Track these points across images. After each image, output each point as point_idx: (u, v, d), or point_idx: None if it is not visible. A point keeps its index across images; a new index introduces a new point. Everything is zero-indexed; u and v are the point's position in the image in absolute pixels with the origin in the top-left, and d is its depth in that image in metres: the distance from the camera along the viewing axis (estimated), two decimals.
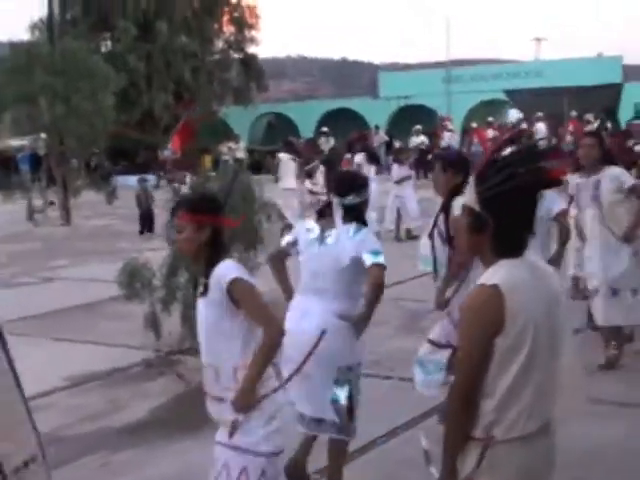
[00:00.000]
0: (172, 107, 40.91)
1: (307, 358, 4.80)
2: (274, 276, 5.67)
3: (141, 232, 19.88)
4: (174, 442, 6.55)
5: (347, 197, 5.33)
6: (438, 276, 6.22)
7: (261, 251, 9.08)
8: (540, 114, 31.28)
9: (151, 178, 30.82)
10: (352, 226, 5.31)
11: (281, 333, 4.13)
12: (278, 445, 4.15)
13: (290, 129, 41.36)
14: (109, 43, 42.27)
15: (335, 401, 5.28)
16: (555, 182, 3.24)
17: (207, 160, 39.20)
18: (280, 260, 5.64)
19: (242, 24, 44.93)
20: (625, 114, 35.79)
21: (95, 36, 40.24)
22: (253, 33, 45.51)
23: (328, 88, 71.20)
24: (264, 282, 5.25)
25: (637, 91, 37.53)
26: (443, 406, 4.37)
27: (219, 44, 45.32)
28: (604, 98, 34.61)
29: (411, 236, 16.72)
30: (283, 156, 18.60)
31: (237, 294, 4.04)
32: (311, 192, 17.07)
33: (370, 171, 17.90)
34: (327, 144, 32.43)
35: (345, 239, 5.27)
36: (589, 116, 31.43)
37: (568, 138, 30.05)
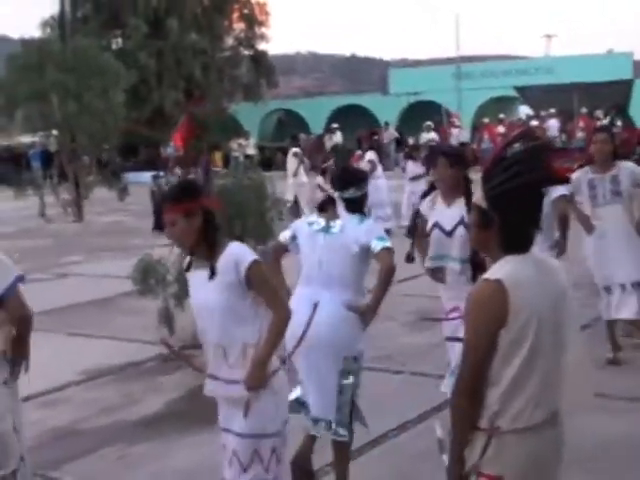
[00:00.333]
0: (182, 104, 41.05)
1: (307, 328, 4.81)
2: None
3: (155, 228, 19.81)
4: (190, 435, 6.64)
5: (347, 191, 5.43)
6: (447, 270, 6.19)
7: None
8: (553, 110, 31.24)
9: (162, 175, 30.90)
10: (356, 216, 5.41)
11: (289, 315, 4.26)
12: (283, 419, 4.28)
13: (300, 125, 41.44)
14: (120, 40, 42.42)
15: (340, 392, 5.34)
16: (562, 180, 3.32)
17: (218, 157, 39.32)
18: (277, 255, 5.66)
19: (252, 21, 45.01)
20: (636, 110, 35.76)
21: (106, 33, 40.43)
22: (263, 30, 45.64)
23: (338, 84, 71.20)
24: None
25: None
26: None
27: (229, 41, 45.41)
28: (615, 94, 34.53)
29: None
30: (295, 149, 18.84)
31: (255, 277, 4.14)
32: (321, 188, 17.13)
33: (379, 169, 18.03)
34: (330, 141, 32.49)
35: (352, 227, 5.34)
36: (599, 112, 31.40)
37: (579, 134, 30.03)
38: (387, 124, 39.55)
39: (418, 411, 6.74)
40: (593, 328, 8.35)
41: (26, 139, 36.24)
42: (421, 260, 6.51)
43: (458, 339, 5.55)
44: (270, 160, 38.07)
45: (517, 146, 3.23)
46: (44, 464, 5.99)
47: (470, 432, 3.16)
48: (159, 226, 19.17)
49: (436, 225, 6.16)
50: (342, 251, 5.32)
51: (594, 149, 7.92)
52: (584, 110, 30.81)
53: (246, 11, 45.00)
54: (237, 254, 4.17)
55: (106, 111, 23.71)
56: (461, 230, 5.92)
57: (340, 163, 17.61)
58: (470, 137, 37.13)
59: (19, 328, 4.55)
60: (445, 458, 3.34)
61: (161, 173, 21.72)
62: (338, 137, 35.89)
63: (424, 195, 6.49)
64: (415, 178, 17.60)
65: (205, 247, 4.23)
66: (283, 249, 5.64)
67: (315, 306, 4.97)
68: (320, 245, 5.38)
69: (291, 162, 19.23)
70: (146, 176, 23.75)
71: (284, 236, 5.63)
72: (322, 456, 5.57)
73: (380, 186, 17.73)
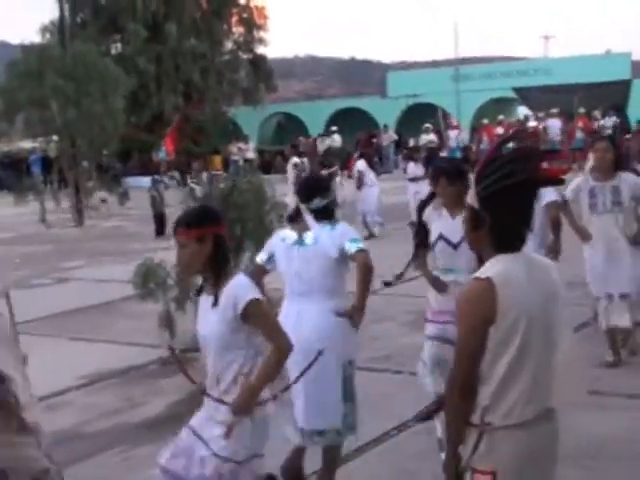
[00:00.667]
0: (182, 108, 41.13)
1: (301, 375, 4.89)
2: None
3: (158, 233, 19.76)
4: None
5: (313, 202, 5.44)
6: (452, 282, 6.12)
7: None
8: (555, 110, 31.27)
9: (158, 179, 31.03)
10: (327, 223, 5.43)
11: (290, 350, 4.24)
12: (257, 451, 4.26)
13: (299, 129, 41.52)
14: (119, 45, 42.48)
15: (346, 399, 5.38)
16: (555, 180, 3.36)
17: (217, 161, 39.41)
18: (258, 277, 5.56)
19: (251, 25, 45.10)
20: (634, 110, 35.82)
21: (105, 39, 40.50)
22: (262, 34, 45.70)
23: (337, 87, 71.25)
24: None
25: None
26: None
27: (228, 45, 45.47)
28: (613, 95, 34.64)
29: None
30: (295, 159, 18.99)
31: (252, 315, 4.15)
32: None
33: (370, 177, 18.12)
34: (323, 144, 32.54)
35: (325, 236, 5.37)
36: (597, 113, 31.47)
37: (578, 135, 30.10)
38: (386, 127, 39.62)
39: (416, 410, 6.77)
40: (588, 327, 8.39)
41: (26, 145, 36.30)
42: (416, 267, 6.53)
43: (445, 340, 5.64)
44: (269, 164, 38.14)
45: (509, 147, 3.29)
46: None
47: (465, 429, 3.20)
48: (160, 231, 19.24)
49: (441, 237, 6.11)
50: (319, 261, 5.34)
51: (595, 158, 7.92)
52: (582, 110, 30.86)
53: (245, 15, 45.09)
54: (237, 291, 4.17)
55: (106, 116, 23.78)
56: None
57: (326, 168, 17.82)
58: (469, 139, 37.19)
59: None
60: (443, 456, 3.39)
61: (160, 177, 21.75)
62: (337, 140, 35.95)
63: (424, 203, 6.46)
64: (416, 179, 17.64)
65: (212, 274, 4.25)
66: (262, 271, 5.62)
67: (319, 353, 4.96)
68: (295, 258, 5.40)
69: (291, 173, 19.31)
70: (144, 181, 23.79)
71: (260, 257, 5.66)
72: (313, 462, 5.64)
73: (369, 195, 17.84)
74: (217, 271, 4.24)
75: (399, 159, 38.59)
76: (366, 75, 68.54)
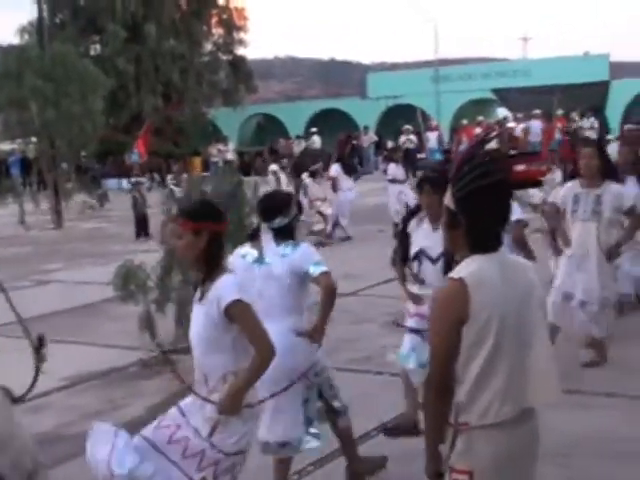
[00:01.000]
0: (161, 109, 41.03)
1: (284, 390, 4.97)
2: None
3: (138, 235, 19.71)
4: None
5: (274, 221, 5.41)
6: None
7: None
8: (538, 112, 31.39)
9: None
10: (287, 244, 5.41)
11: (273, 353, 4.24)
12: (242, 448, 4.28)
13: (279, 130, 41.52)
14: (98, 46, 42.31)
15: (308, 406, 5.46)
16: (531, 182, 3.41)
17: (197, 162, 39.36)
18: None
19: (230, 26, 45.04)
20: (612, 111, 36.10)
21: (84, 39, 40.31)
22: (241, 35, 45.65)
23: (317, 88, 71.27)
24: None
25: (624, 88, 37.84)
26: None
27: (208, 46, 45.39)
28: (592, 96, 34.84)
29: None
30: (276, 167, 19.04)
31: (234, 315, 4.17)
32: (310, 200, 17.41)
33: (345, 182, 18.18)
34: (299, 146, 32.56)
35: (284, 257, 5.37)
36: (574, 114, 31.63)
37: (557, 136, 30.23)
38: (366, 128, 39.69)
39: (398, 411, 6.81)
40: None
41: (5, 146, 36.13)
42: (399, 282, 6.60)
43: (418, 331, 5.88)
44: (249, 165, 38.11)
45: (484, 148, 3.33)
46: None
47: (442, 427, 3.24)
48: (141, 233, 19.20)
49: (422, 252, 6.15)
50: (277, 281, 5.36)
51: (581, 164, 7.92)
52: (560, 112, 31.01)
53: (224, 16, 45.03)
54: (222, 290, 4.19)
55: (85, 117, 23.70)
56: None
57: (297, 172, 17.90)
58: (448, 140, 37.29)
59: None
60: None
61: (138, 180, 21.71)
62: (317, 141, 35.98)
63: (410, 215, 6.49)
64: (395, 180, 17.69)
65: (204, 268, 4.30)
66: None
67: (301, 375, 5.08)
68: (256, 276, 5.40)
69: (271, 180, 19.33)
70: (122, 183, 23.66)
71: None
72: (303, 457, 5.67)
73: (344, 200, 17.93)
74: (208, 267, 4.28)
75: (379, 160, 38.72)
76: (346, 76, 68.63)
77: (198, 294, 4.33)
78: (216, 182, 9.65)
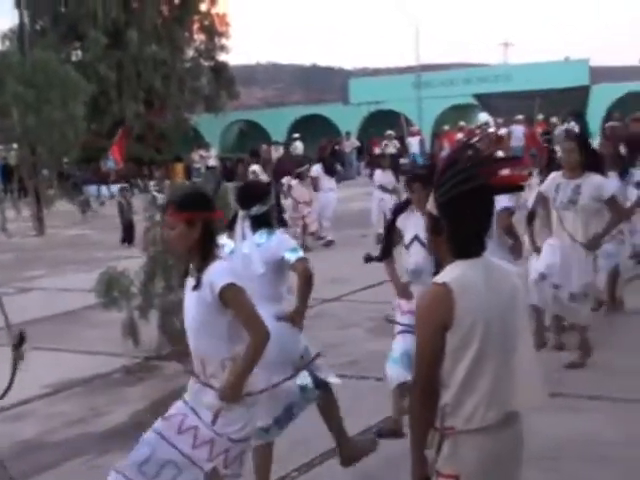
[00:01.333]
0: (143, 116, 40.96)
1: (297, 373, 5.07)
2: None
3: (123, 241, 19.49)
4: None
5: (252, 208, 5.49)
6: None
7: None
8: (520, 117, 31.52)
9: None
10: (263, 233, 5.49)
11: (267, 337, 4.26)
12: (247, 434, 4.32)
13: (262, 136, 41.48)
14: (79, 52, 42.19)
15: (303, 388, 5.49)
16: (514, 187, 3.41)
17: (179, 168, 39.31)
18: None
19: (212, 32, 45.02)
20: (593, 116, 36.25)
21: (65, 46, 40.18)
22: (223, 41, 45.62)
23: (299, 94, 71.31)
24: None
25: (604, 93, 38.07)
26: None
27: (189, 52, 45.35)
28: (572, 101, 35.02)
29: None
30: (257, 168, 19.00)
31: (228, 300, 4.18)
32: (297, 202, 17.44)
33: (326, 182, 18.23)
34: (277, 152, 32.60)
35: (261, 245, 5.44)
36: (555, 120, 31.78)
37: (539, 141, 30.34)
38: (348, 133, 39.74)
39: (382, 416, 6.82)
40: (549, 331, 8.49)
41: None
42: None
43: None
44: (231, 171, 38.06)
45: (467, 153, 3.33)
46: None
47: (427, 431, 3.23)
48: (127, 239, 19.11)
49: (416, 238, 6.22)
50: (254, 270, 5.38)
51: (562, 157, 8.03)
52: (541, 117, 31.15)
53: (206, 22, 45.00)
54: (214, 275, 4.19)
55: (66, 123, 23.62)
56: None
57: (277, 177, 17.95)
58: (430, 145, 37.39)
59: None
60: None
61: (127, 185, 21.69)
62: (299, 147, 36.00)
63: (398, 210, 6.54)
64: (383, 186, 17.73)
65: (197, 258, 4.28)
66: None
67: (316, 355, 5.20)
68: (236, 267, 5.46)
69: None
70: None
71: None
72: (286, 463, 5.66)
73: (327, 200, 17.96)
74: (203, 255, 4.26)
75: (361, 166, 38.79)
76: (328, 82, 68.69)
77: (192, 282, 4.30)
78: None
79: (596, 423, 6.55)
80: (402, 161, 25.32)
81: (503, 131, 30.53)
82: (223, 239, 5.62)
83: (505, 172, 3.34)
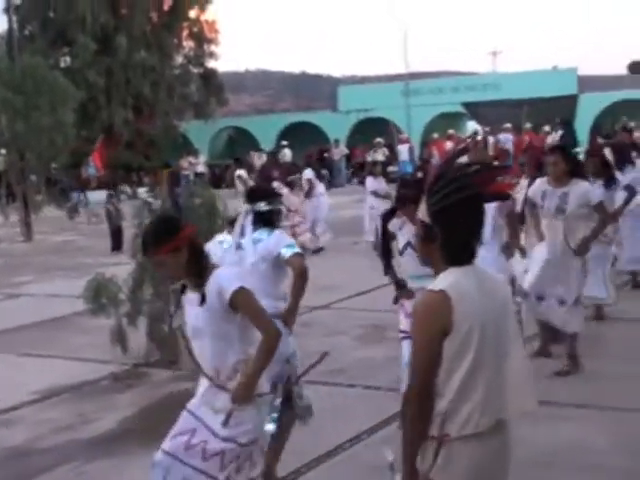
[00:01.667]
0: (132, 122, 40.93)
1: (307, 371, 5.17)
2: None
3: (113, 249, 19.21)
4: (144, 452, 6.59)
5: (258, 204, 5.61)
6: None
7: None
8: (508, 125, 31.62)
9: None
10: (264, 230, 5.59)
11: (279, 337, 4.34)
12: (257, 436, 4.35)
13: (251, 143, 41.49)
14: (68, 58, 42.13)
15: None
16: (501, 196, 3.44)
17: (167, 175, 39.21)
18: None
19: (201, 39, 45.04)
20: (581, 124, 36.43)
21: (54, 51, 40.15)
22: (212, 48, 45.63)
23: (288, 101, 71.34)
24: None
25: (592, 102, 38.22)
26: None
27: (179, 59, 45.36)
28: (561, 109, 35.19)
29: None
30: (242, 173, 19.03)
31: (239, 303, 4.24)
32: (287, 210, 17.42)
33: (319, 186, 18.28)
34: (260, 159, 32.64)
35: (260, 242, 5.53)
36: (547, 128, 31.93)
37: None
38: (337, 141, 39.78)
39: (370, 423, 6.84)
40: (537, 339, 8.52)
41: None
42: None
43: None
44: (220, 178, 38.09)
45: (459, 162, 3.35)
46: None
47: (422, 442, 3.23)
48: (117, 246, 19.02)
49: (409, 244, 6.23)
50: (252, 266, 5.46)
51: (549, 171, 8.14)
52: (528, 125, 31.27)
53: (195, 29, 45.02)
54: (220, 282, 4.24)
55: (55, 130, 23.59)
56: None
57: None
58: (419, 153, 37.47)
59: None
60: (398, 478, 3.40)
61: (114, 192, 21.64)
62: (288, 155, 36.07)
63: (387, 216, 6.58)
64: (376, 193, 17.77)
65: (194, 276, 4.32)
66: None
67: (323, 354, 5.32)
68: (232, 262, 5.48)
69: (238, 186, 19.35)
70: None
71: None
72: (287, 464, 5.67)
73: (320, 204, 17.99)
74: (199, 272, 4.30)
75: (350, 173, 38.84)
76: (317, 89, 68.72)
77: (194, 298, 4.31)
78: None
79: (584, 431, 6.56)
80: (391, 169, 25.38)
81: (491, 140, 30.65)
82: (223, 235, 5.70)
83: (496, 181, 3.36)
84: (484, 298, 3.24)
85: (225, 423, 4.24)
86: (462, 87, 42.00)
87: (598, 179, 9.58)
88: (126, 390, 8.53)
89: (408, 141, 36.63)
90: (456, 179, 3.23)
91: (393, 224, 6.48)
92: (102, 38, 40.38)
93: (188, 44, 45.47)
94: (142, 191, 25.81)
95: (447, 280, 3.22)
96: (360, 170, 34.06)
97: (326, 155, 38.45)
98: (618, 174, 10.96)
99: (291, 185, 17.73)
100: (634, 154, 12.22)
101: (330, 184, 33.46)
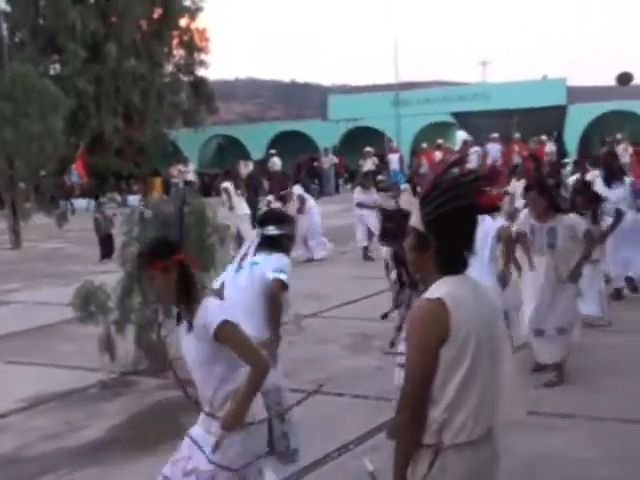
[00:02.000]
0: (122, 130, 40.88)
1: (303, 400, 5.03)
2: None
3: (102, 257, 19.14)
4: (132, 460, 6.67)
5: (267, 228, 5.64)
6: None
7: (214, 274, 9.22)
8: (496, 135, 31.71)
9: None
10: (264, 253, 5.60)
11: (267, 368, 4.36)
12: (249, 460, 4.38)
13: (240, 152, 41.50)
14: (57, 66, 42.07)
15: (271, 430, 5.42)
16: (492, 208, 3.46)
17: (157, 183, 39.25)
18: None
19: (192, 47, 45.05)
20: (570, 135, 36.56)
21: (43, 59, 40.09)
22: (202, 56, 45.65)
23: (278, 110, 71.31)
24: None
25: (582, 112, 38.38)
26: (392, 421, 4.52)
27: (169, 67, 45.34)
28: (550, 120, 35.34)
29: (368, 257, 16.97)
30: (229, 185, 18.95)
31: (223, 338, 4.27)
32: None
33: (309, 201, 18.30)
34: (246, 168, 32.64)
35: (253, 265, 5.55)
36: (544, 137, 32.08)
37: (516, 159, 30.54)
38: (327, 150, 39.83)
39: (358, 433, 6.84)
40: (526, 349, 8.54)
41: None
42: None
43: None
44: (210, 186, 38.06)
45: (453, 172, 3.38)
46: None
47: (413, 450, 3.23)
48: (105, 254, 18.96)
49: None
50: (245, 289, 5.49)
51: (529, 207, 8.28)
52: (517, 135, 31.36)
53: (186, 37, 45.03)
54: (208, 314, 4.29)
55: (45, 137, 23.54)
56: None
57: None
58: (409, 163, 37.54)
59: None
60: None
61: (104, 200, 21.59)
62: (277, 163, 36.09)
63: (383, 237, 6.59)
64: (360, 204, 17.83)
65: (183, 301, 4.38)
66: (219, 297, 5.68)
67: (319, 387, 5.30)
68: (231, 282, 5.57)
69: (224, 197, 19.28)
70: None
71: (215, 283, 5.86)
72: None
73: (312, 218, 18.00)
74: (186, 297, 4.36)
75: (340, 182, 38.88)
76: (306, 98, 68.70)
77: (185, 326, 4.40)
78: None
79: (571, 442, 6.58)
80: (380, 177, 25.39)
81: (475, 149, 30.65)
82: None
83: (486, 192, 3.38)
84: (478, 306, 3.27)
85: (215, 449, 4.27)
86: (451, 97, 42.13)
87: (586, 210, 9.73)
88: (114, 398, 8.52)
89: (398, 150, 36.71)
90: (450, 189, 3.26)
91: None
92: (92, 46, 40.33)
93: (178, 52, 45.48)
94: (133, 199, 25.82)
95: (443, 288, 3.24)
96: (351, 180, 34.18)
97: (316, 164, 38.47)
98: (605, 190, 11.10)
99: (284, 199, 17.74)
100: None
101: (320, 193, 33.53)
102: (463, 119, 39.29)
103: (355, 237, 17.77)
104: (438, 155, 32.17)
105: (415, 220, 3.33)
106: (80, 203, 33.90)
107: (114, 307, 9.30)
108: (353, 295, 12.33)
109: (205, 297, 4.43)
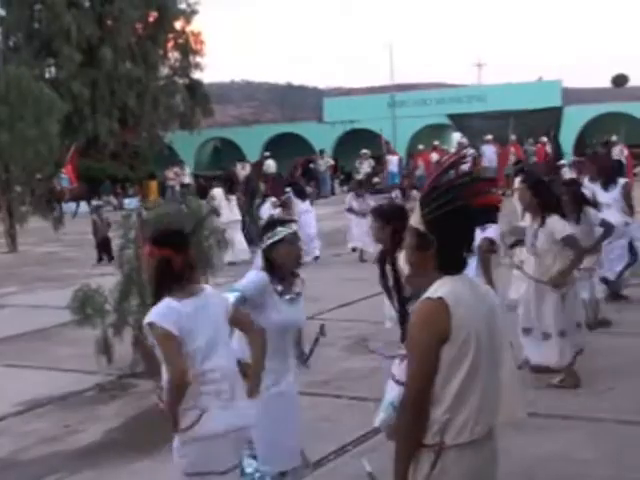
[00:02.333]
0: (118, 133, 40.86)
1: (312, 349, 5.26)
2: None
3: (99, 261, 19.20)
4: (129, 463, 6.65)
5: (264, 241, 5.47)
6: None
7: (211, 276, 9.21)
8: (490, 137, 31.74)
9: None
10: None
11: (181, 377, 4.21)
12: (201, 470, 4.32)
13: (236, 154, 41.50)
14: (53, 70, 42.07)
15: None
16: (492, 208, 3.47)
17: (153, 186, 39.24)
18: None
19: (187, 50, 45.06)
20: (566, 137, 36.59)
21: (39, 63, 40.09)
22: (198, 59, 45.68)
23: (274, 112, 71.18)
24: None
25: (577, 114, 38.44)
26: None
27: (164, 70, 45.34)
28: (545, 121, 35.38)
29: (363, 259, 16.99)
30: (217, 192, 18.89)
31: (151, 337, 4.30)
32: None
33: (300, 205, 18.27)
34: (244, 170, 32.64)
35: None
36: (544, 139, 32.17)
37: (512, 159, 30.60)
38: (322, 152, 39.85)
39: (356, 434, 6.83)
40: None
41: None
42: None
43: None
44: (206, 189, 38.00)
45: (452, 173, 3.39)
46: None
47: (415, 450, 3.23)
48: (102, 257, 18.97)
49: None
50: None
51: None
52: (513, 137, 31.40)
53: (181, 40, 45.04)
54: (152, 310, 4.32)
55: (40, 141, 23.52)
56: None
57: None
58: (405, 164, 37.58)
59: None
60: None
61: (101, 203, 21.58)
62: (272, 166, 36.08)
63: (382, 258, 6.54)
64: (352, 210, 17.87)
65: (153, 295, 4.44)
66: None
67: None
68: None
69: (210, 202, 19.21)
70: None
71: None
72: None
73: (305, 222, 17.94)
74: (154, 291, 4.38)
75: (335, 184, 38.90)
76: (302, 100, 68.62)
77: None
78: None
79: (570, 443, 6.57)
80: (376, 180, 25.40)
81: (471, 152, 30.70)
82: None
83: (485, 193, 3.40)
84: (477, 305, 3.28)
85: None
86: (447, 99, 42.21)
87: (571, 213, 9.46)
88: (111, 401, 8.50)
89: (395, 153, 36.74)
90: (449, 190, 3.28)
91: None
92: (87, 49, 40.37)
93: (173, 55, 45.51)
94: (129, 202, 25.76)
95: (443, 288, 3.25)
96: (347, 181, 34.21)
97: (312, 166, 38.49)
98: (601, 192, 11.03)
99: (284, 205, 17.72)
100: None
101: (315, 195, 33.50)
102: (459, 121, 39.33)
103: (352, 237, 17.79)
104: (434, 157, 32.20)
105: (415, 220, 3.34)
106: (70, 207, 33.80)
107: (111, 310, 9.29)
108: (348, 297, 12.34)
109: (169, 299, 4.30)
